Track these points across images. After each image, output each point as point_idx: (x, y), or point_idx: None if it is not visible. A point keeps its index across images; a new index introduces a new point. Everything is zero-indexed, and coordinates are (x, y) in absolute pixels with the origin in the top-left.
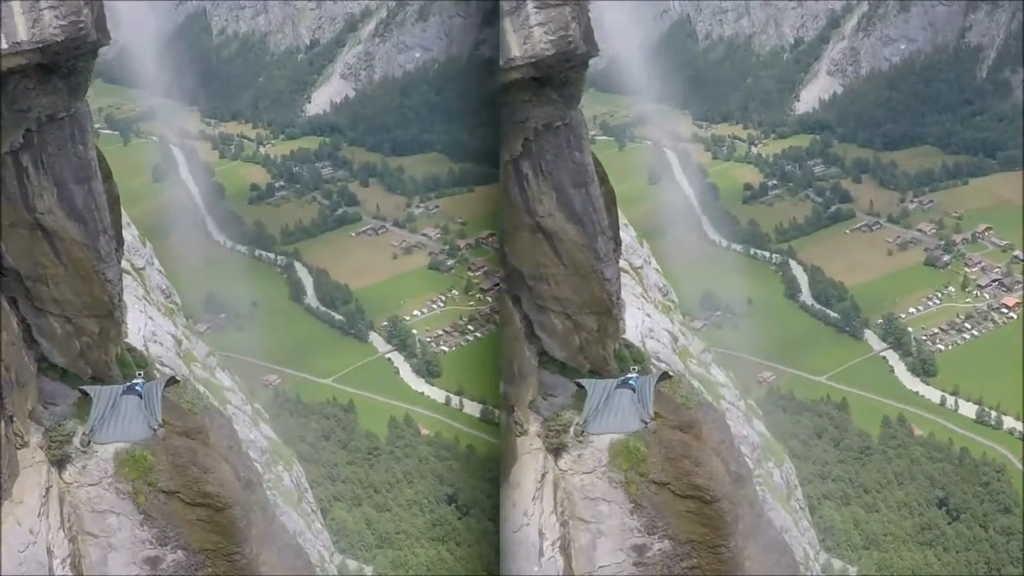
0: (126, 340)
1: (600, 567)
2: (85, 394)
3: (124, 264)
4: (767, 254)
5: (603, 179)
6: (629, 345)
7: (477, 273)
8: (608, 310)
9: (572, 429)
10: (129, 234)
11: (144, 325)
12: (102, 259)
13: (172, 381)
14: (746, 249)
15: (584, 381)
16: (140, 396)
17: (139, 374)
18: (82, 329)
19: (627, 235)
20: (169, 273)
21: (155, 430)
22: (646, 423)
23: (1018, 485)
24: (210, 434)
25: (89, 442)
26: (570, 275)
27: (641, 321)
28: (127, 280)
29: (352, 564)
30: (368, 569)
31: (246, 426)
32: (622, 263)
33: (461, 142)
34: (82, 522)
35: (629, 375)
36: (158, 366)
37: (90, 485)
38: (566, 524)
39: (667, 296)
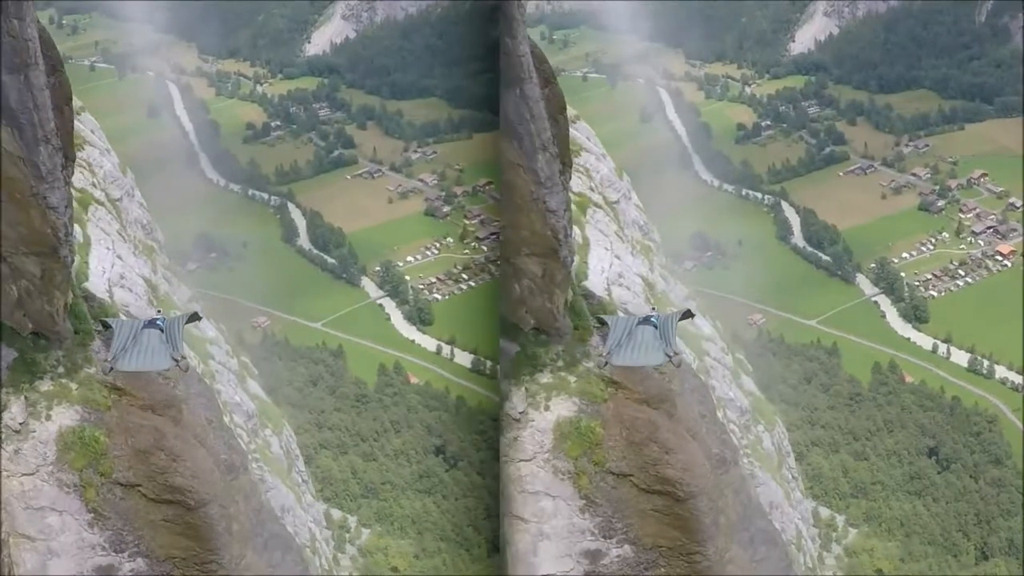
0: (85, 285)
1: None
2: (106, 326)
3: (98, 194)
4: (759, 195)
5: (548, 79)
6: (589, 295)
7: (473, 221)
8: (554, 251)
9: (595, 360)
10: (109, 161)
11: (110, 266)
12: (42, 178)
13: (195, 317)
14: (738, 190)
15: (606, 317)
16: (161, 330)
17: (161, 314)
18: (19, 271)
19: (605, 166)
20: (159, 211)
21: (178, 361)
22: (670, 357)
23: (1010, 436)
24: (184, 408)
25: (111, 368)
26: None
27: (608, 265)
28: (99, 213)
29: (336, 514)
30: (352, 519)
31: (231, 386)
32: (594, 196)
33: (461, 88)
34: (14, 521)
35: (651, 314)
36: (123, 317)
37: (24, 475)
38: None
39: (648, 235)
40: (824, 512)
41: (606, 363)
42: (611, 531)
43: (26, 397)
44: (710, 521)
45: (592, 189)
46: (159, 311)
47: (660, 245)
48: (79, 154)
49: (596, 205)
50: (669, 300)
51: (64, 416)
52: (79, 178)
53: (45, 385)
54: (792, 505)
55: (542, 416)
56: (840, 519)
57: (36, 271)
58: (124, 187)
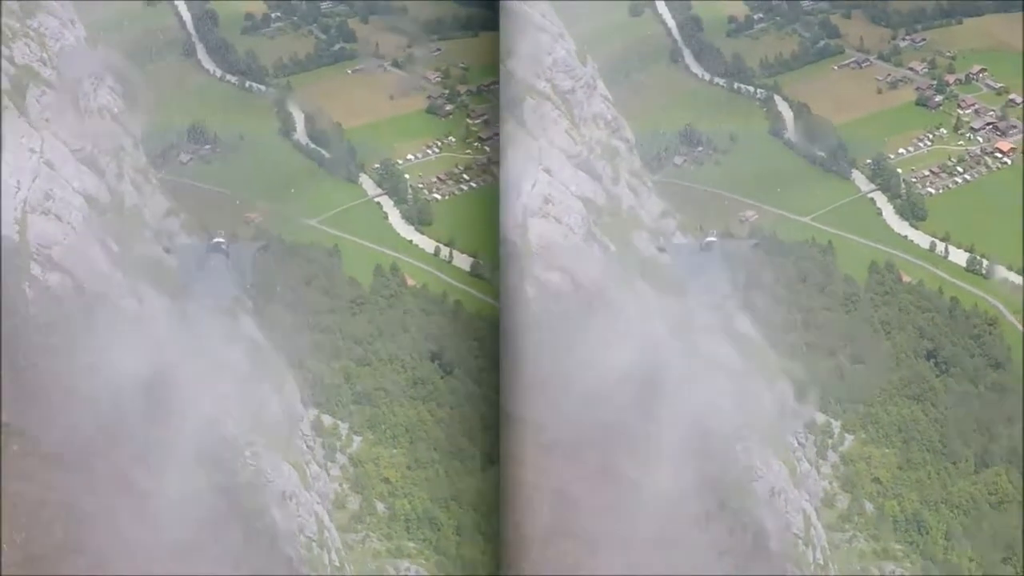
0: None
1: None
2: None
3: (47, 73)
4: (751, 89)
5: None
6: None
7: (476, 121)
8: None
9: None
10: (72, 34)
11: (31, 180)
12: None
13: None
14: (730, 83)
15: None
16: (227, 256)
17: (220, 233)
18: None
19: (562, 47)
20: (155, 100)
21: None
22: None
23: (1010, 339)
24: None
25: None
26: None
27: (531, 186)
28: (45, 99)
29: (327, 420)
30: (344, 426)
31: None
32: (539, 84)
33: None
34: None
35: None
36: (35, 260)
37: None
38: None
39: (617, 134)
40: (820, 417)
41: None
42: None
43: None
44: None
45: (537, 76)
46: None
47: (634, 145)
48: (28, 22)
49: (541, 95)
50: (640, 221)
51: None
52: (21, 51)
53: None
54: (797, 483)
55: None
56: (836, 425)
57: None
58: (88, 67)
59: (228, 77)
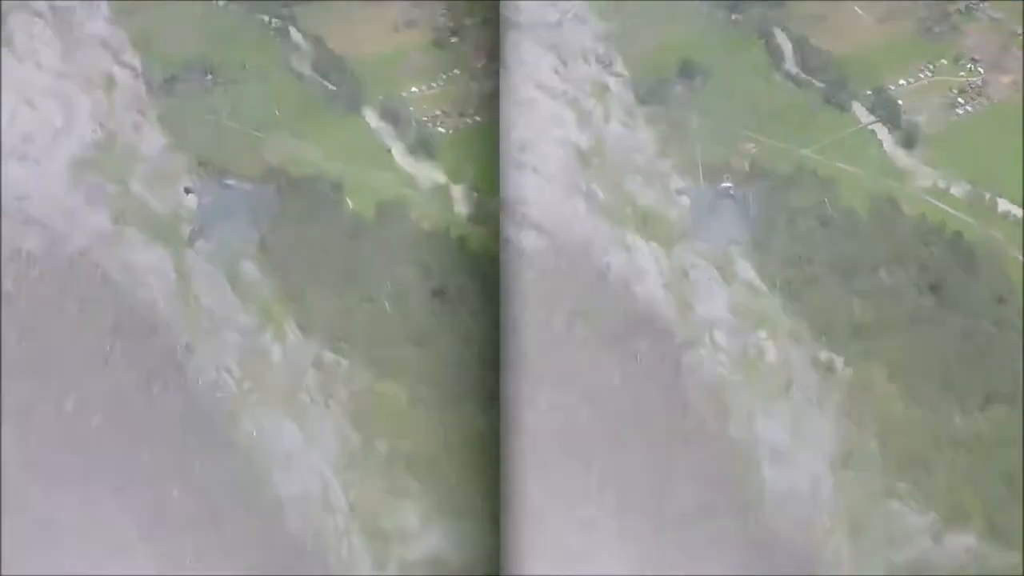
0: None
1: None
2: (187, 190)
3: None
4: (750, 20)
5: None
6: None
7: (481, 52)
8: None
9: None
10: None
11: (10, 118)
12: None
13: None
14: (727, 14)
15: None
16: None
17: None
18: None
19: None
20: (153, 29)
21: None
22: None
23: (1013, 274)
24: None
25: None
26: None
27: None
28: (30, 25)
29: (328, 356)
30: (344, 362)
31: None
32: (519, 17)
33: None
34: None
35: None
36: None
37: None
38: None
39: (609, 69)
40: (823, 354)
41: None
42: None
43: None
44: None
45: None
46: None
47: (629, 81)
48: None
49: (516, 27)
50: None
51: None
52: None
53: None
54: (812, 494)
55: None
56: (839, 360)
57: None
58: None
59: (231, 5)
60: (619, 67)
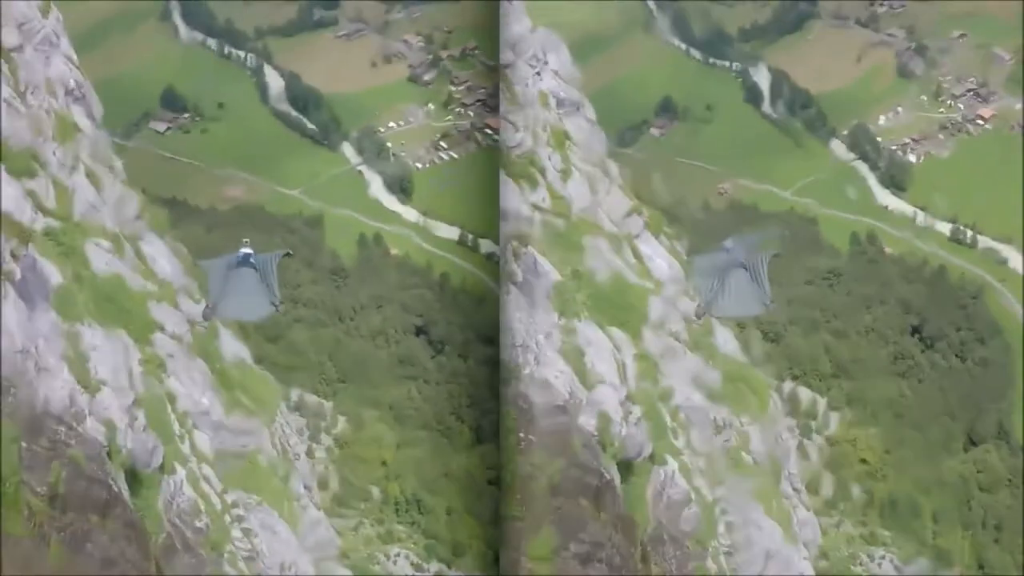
0: None
1: None
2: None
3: None
4: (727, 62)
5: None
6: None
7: (460, 88)
8: None
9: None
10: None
11: None
12: None
13: (288, 255)
14: (705, 55)
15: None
16: (256, 269)
17: (245, 242)
18: None
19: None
20: (130, 69)
21: (276, 307)
22: (767, 306)
23: (996, 312)
24: None
25: (211, 316)
26: None
27: None
28: None
29: (311, 400)
30: (328, 405)
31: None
32: None
33: None
34: None
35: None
36: None
37: None
38: None
39: (580, 110)
40: (805, 394)
41: (703, 314)
42: None
43: None
44: None
45: None
46: (246, 241)
47: (594, 124)
48: None
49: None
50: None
51: None
52: None
53: None
54: (794, 535)
55: None
56: (822, 401)
57: None
58: (37, 33)
59: (208, 41)
60: (587, 111)
